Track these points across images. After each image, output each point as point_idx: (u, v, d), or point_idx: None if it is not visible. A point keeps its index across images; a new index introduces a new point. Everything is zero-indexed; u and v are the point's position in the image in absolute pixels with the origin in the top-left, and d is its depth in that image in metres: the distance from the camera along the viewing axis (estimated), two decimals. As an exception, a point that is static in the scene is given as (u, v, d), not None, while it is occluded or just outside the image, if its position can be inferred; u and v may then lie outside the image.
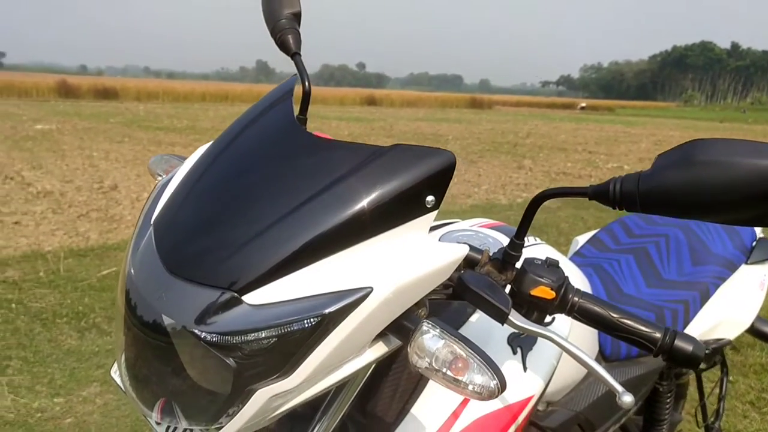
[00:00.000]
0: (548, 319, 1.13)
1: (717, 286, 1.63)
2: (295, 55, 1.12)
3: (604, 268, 1.65)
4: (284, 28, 1.13)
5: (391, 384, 1.03)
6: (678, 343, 0.87)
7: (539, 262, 0.93)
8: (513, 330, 1.09)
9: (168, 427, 0.97)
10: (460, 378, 0.76)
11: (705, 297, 1.60)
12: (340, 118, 23.30)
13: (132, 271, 0.83)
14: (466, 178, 10.33)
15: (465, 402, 1.00)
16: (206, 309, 0.74)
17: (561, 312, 0.92)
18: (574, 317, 0.92)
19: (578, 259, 1.73)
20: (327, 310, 0.73)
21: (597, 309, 0.91)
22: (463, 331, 1.07)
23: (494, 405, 1.01)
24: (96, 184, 7.96)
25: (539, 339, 1.10)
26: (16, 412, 2.56)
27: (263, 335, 0.73)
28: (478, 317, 1.09)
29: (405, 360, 1.03)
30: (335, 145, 0.85)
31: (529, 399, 1.04)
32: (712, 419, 2.03)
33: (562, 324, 1.15)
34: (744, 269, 1.69)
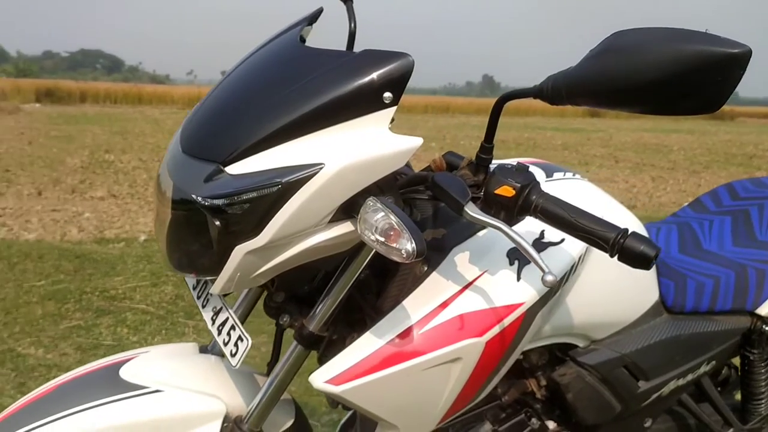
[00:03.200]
0: (544, 235, 1.18)
1: None
2: (347, 1, 1.29)
3: (691, 226, 1.59)
4: None
5: (398, 284, 1.15)
6: (629, 241, 0.90)
7: (509, 167, 1.01)
8: (514, 245, 1.16)
9: (201, 284, 1.21)
10: (393, 245, 0.88)
11: None
12: (556, 129, 22.78)
13: (166, 157, 1.07)
14: (683, 188, 9.64)
15: (454, 297, 1.09)
16: (201, 178, 0.94)
17: (526, 213, 0.99)
18: (538, 217, 0.98)
19: (671, 218, 1.68)
20: (284, 179, 0.90)
21: (558, 210, 0.96)
22: (468, 243, 1.15)
23: (481, 305, 1.09)
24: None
25: (540, 254, 1.15)
26: (195, 347, 3.03)
27: (239, 199, 0.91)
28: (484, 233, 1.17)
29: (415, 265, 1.16)
30: (321, 52, 1.01)
31: (517, 305, 1.10)
32: None
33: (572, 247, 1.17)
34: None
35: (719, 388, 1.72)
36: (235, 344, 1.08)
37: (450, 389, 1.11)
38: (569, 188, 1.29)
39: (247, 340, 1.06)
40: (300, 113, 0.92)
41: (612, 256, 0.93)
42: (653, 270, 1.42)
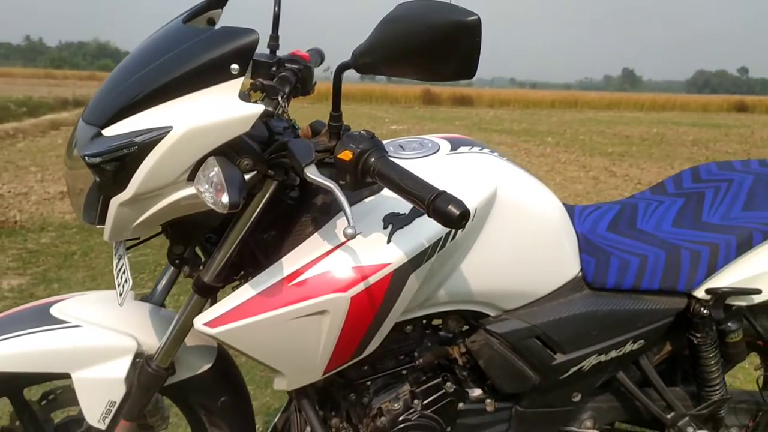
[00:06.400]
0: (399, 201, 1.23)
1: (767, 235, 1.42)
2: None
3: (636, 206, 1.56)
4: None
5: (290, 243, 1.26)
6: (439, 202, 0.96)
7: (356, 134, 1.09)
8: (393, 211, 1.23)
9: None
10: (220, 198, 1.00)
11: (745, 244, 1.41)
12: (694, 124, 21.44)
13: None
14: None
15: (326, 254, 1.19)
16: (87, 139, 1.11)
17: (367, 176, 1.06)
18: (377, 180, 1.05)
19: (625, 199, 1.65)
20: (138, 139, 1.04)
21: (390, 173, 1.03)
22: (355, 208, 1.23)
23: (349, 263, 1.17)
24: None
25: (415, 220, 1.21)
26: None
27: (109, 157, 1.06)
28: (370, 200, 1.25)
29: (305, 226, 1.27)
30: (190, 30, 1.14)
31: (384, 265, 1.17)
32: None
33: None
34: None
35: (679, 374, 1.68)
36: (122, 285, 1.24)
37: (324, 340, 1.20)
38: (466, 160, 1.34)
39: (130, 281, 1.22)
40: (160, 83, 1.06)
41: (429, 215, 0.99)
42: (574, 245, 1.42)
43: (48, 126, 12.42)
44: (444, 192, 0.98)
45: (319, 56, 1.62)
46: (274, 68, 1.40)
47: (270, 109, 1.11)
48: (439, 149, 1.36)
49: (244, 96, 1.16)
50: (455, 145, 1.37)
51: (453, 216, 0.95)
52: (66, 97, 17.67)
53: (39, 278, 3.86)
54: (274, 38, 1.41)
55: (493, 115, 24.17)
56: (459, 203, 0.96)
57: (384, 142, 1.39)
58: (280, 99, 1.26)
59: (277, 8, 1.37)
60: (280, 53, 1.38)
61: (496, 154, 1.39)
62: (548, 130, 17.04)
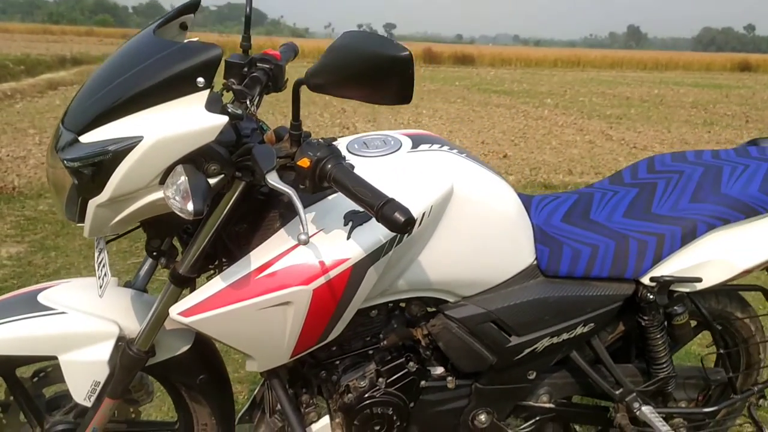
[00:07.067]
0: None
1: (711, 226, 1.51)
2: None
3: (592, 196, 1.64)
4: None
5: (259, 237, 1.35)
6: (386, 209, 1.05)
7: (314, 142, 1.17)
8: (353, 209, 1.31)
9: None
10: (186, 205, 1.09)
11: (689, 234, 1.50)
12: (695, 85, 21.30)
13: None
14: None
15: (290, 250, 1.27)
16: (65, 145, 1.19)
17: (324, 181, 1.15)
18: (332, 186, 1.14)
19: (584, 189, 1.73)
20: (112, 148, 1.12)
21: (344, 179, 1.12)
22: (316, 206, 1.32)
23: (311, 258, 1.26)
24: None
25: (373, 218, 1.29)
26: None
27: (86, 162, 1.14)
28: (333, 198, 1.33)
29: (273, 221, 1.36)
30: (158, 42, 1.21)
31: (343, 260, 1.26)
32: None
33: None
34: None
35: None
36: (103, 279, 1.34)
37: (290, 329, 1.30)
38: (425, 158, 1.42)
39: (109, 274, 1.32)
40: (131, 94, 1.14)
41: (378, 221, 1.07)
42: (529, 236, 1.52)
43: (46, 86, 12.40)
44: (392, 200, 1.06)
45: (292, 52, 1.69)
46: (245, 68, 1.47)
47: (238, 112, 1.18)
48: (400, 147, 1.43)
49: (217, 97, 1.23)
50: (416, 143, 1.45)
51: (398, 222, 1.04)
52: (64, 54, 17.59)
53: (37, 246, 3.97)
54: (246, 39, 1.48)
55: (494, 75, 24.00)
56: (404, 211, 1.04)
57: (350, 138, 1.48)
58: (248, 102, 1.34)
59: (248, 9, 1.44)
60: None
61: (455, 151, 1.46)
62: (548, 91, 16.96)
